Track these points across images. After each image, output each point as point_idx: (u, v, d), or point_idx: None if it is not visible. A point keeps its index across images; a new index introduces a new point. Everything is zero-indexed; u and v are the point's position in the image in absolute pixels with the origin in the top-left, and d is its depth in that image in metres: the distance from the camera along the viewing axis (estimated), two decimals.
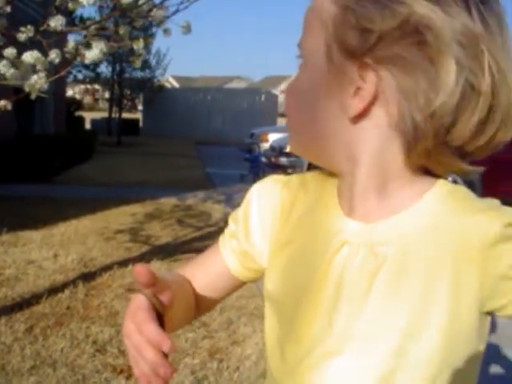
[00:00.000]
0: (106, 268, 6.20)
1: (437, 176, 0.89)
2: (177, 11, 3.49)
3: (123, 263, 6.36)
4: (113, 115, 30.93)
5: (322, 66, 0.87)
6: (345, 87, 0.85)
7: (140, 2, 3.41)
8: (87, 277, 5.92)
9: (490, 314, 0.84)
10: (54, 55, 3.26)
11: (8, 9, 3.32)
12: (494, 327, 4.77)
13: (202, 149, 24.82)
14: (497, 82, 0.80)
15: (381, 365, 0.84)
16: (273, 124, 28.63)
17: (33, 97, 3.24)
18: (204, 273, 1.12)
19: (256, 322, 4.78)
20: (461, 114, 0.79)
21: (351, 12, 0.82)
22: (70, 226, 8.17)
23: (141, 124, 35.20)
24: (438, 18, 0.77)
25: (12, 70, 3.12)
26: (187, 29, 3.53)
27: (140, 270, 0.80)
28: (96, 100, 59.92)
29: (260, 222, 1.06)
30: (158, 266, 6.32)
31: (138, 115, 37.54)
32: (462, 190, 0.88)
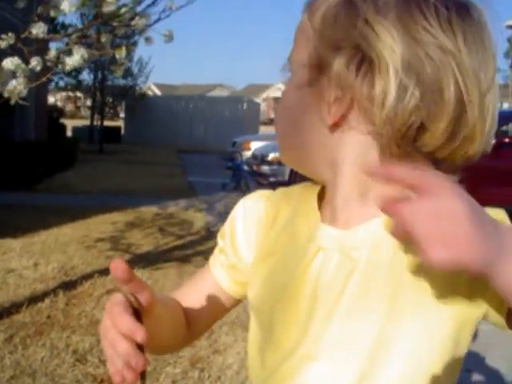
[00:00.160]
0: (87, 276, 6.16)
1: None
2: (159, 20, 3.50)
3: (104, 272, 6.32)
4: (95, 123, 30.85)
5: (304, 78, 0.91)
6: (323, 97, 0.88)
7: (122, 11, 3.41)
8: (68, 285, 5.87)
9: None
10: (35, 63, 3.25)
11: None
12: (475, 335, 4.79)
13: (184, 157, 24.78)
14: (465, 95, 0.82)
15: (358, 369, 0.85)
16: (255, 132, 28.67)
17: (12, 102, 3.23)
18: (196, 293, 1.12)
19: (237, 331, 4.77)
20: (430, 122, 0.82)
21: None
22: (50, 235, 8.11)
23: (123, 132, 35.12)
24: (386, 44, 0.81)
25: None
26: (169, 37, 3.54)
27: (116, 265, 0.81)
28: (78, 107, 59.74)
29: (245, 235, 1.08)
30: (139, 275, 6.27)
31: (120, 123, 37.46)
32: None
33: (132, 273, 0.82)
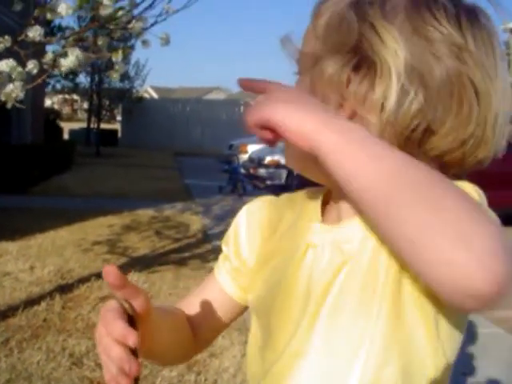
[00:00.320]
0: (84, 280, 6.15)
1: None
2: (155, 23, 3.50)
3: (101, 275, 6.17)
4: (91, 125, 30.82)
5: (311, 79, 0.91)
6: (330, 100, 0.87)
7: (119, 14, 3.41)
8: (64, 289, 5.86)
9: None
10: (31, 66, 3.24)
11: None
12: (471, 338, 4.80)
13: (180, 160, 24.77)
14: (475, 98, 0.82)
15: (349, 366, 0.84)
16: (252, 135, 28.53)
17: (9, 106, 3.22)
18: (201, 301, 1.12)
19: (234, 335, 4.76)
20: (437, 125, 0.82)
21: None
22: (47, 238, 8.10)
23: (119, 135, 35.09)
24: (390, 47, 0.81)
25: None
26: (166, 40, 3.54)
27: (109, 271, 0.80)
28: (74, 110, 59.72)
29: (249, 240, 1.08)
30: (136, 278, 6.28)
31: (117, 126, 37.43)
32: None
33: (125, 278, 0.82)
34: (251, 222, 1.09)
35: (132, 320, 0.82)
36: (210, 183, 15.08)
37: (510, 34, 17.95)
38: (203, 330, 1.12)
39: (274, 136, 0.78)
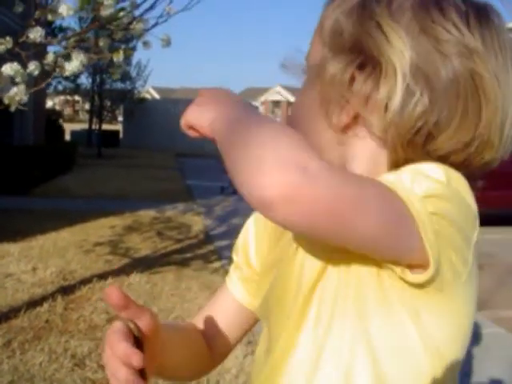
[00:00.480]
0: (86, 281, 6.15)
1: None
2: (156, 24, 3.50)
3: (103, 276, 6.32)
4: (93, 126, 30.81)
5: (317, 79, 0.90)
6: (332, 101, 0.87)
7: (120, 15, 3.41)
8: (66, 290, 5.87)
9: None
10: (33, 67, 3.24)
11: None
12: (473, 338, 4.79)
13: (182, 161, 24.78)
14: (483, 99, 0.82)
15: (335, 369, 0.84)
16: None
17: (12, 109, 3.22)
18: (215, 313, 1.13)
19: None
20: (443, 125, 0.81)
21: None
22: (48, 239, 8.10)
23: (121, 135, 35.08)
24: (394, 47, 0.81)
25: None
26: (167, 42, 3.54)
27: (111, 291, 0.80)
28: (76, 111, 59.76)
29: (257, 247, 1.09)
30: (137, 279, 6.28)
31: (119, 127, 37.42)
32: None
33: (128, 298, 0.81)
34: (259, 229, 1.09)
35: (138, 340, 0.82)
36: (211, 184, 15.08)
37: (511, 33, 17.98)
38: (218, 343, 1.11)
39: (198, 134, 0.89)
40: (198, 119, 0.86)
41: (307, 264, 0.90)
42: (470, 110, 0.81)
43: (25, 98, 3.20)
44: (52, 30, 19.41)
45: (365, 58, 0.83)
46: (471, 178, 0.83)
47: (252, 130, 0.72)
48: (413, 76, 0.80)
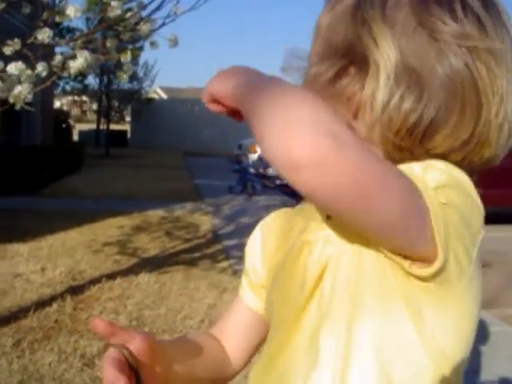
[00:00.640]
0: (95, 281, 6.17)
1: None
2: (163, 24, 3.50)
3: (111, 276, 6.33)
4: (101, 127, 30.88)
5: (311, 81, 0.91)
6: (336, 96, 0.87)
7: (127, 16, 3.42)
8: (75, 290, 5.88)
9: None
10: (41, 68, 3.25)
11: None
12: (482, 336, 4.79)
13: (190, 160, 24.79)
14: (482, 96, 0.81)
15: (330, 368, 0.83)
16: None
17: (17, 107, 3.24)
18: (231, 321, 1.14)
19: None
20: (441, 123, 0.80)
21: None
22: (57, 239, 8.12)
23: (129, 135, 35.15)
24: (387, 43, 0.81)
25: None
26: (174, 42, 3.54)
27: (95, 323, 0.82)
28: (84, 112, 59.82)
29: (264, 252, 1.09)
30: (146, 279, 6.29)
31: (126, 127, 37.49)
32: None
33: (114, 326, 0.83)
34: (266, 234, 1.10)
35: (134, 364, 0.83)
36: (219, 183, 15.08)
37: None
38: (236, 352, 1.12)
39: (220, 106, 0.89)
40: (221, 89, 0.85)
41: (311, 262, 0.90)
42: (469, 107, 0.81)
43: (29, 97, 3.21)
44: (59, 31, 19.47)
45: (354, 58, 0.84)
46: (471, 175, 0.83)
47: (278, 92, 0.72)
48: (399, 75, 0.80)
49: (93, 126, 33.66)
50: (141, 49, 17.41)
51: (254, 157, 17.22)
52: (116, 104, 32.48)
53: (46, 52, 3.62)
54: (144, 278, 6.33)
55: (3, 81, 3.13)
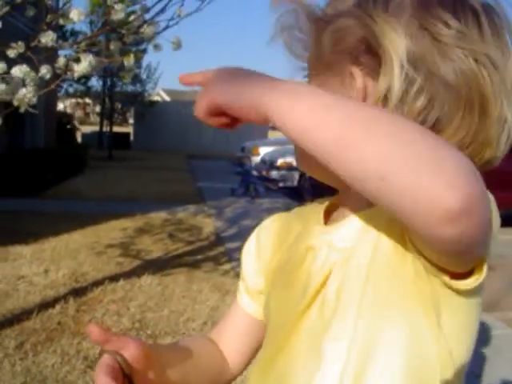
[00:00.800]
0: (98, 283, 6.17)
1: None
2: (167, 27, 3.51)
3: (114, 278, 6.34)
4: (104, 129, 30.90)
5: (320, 77, 0.91)
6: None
7: (130, 18, 3.43)
8: (78, 292, 5.88)
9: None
10: (44, 71, 3.26)
11: None
12: (484, 339, 4.78)
13: (193, 162, 24.79)
14: (486, 95, 0.81)
15: (337, 368, 0.83)
16: (264, 137, 28.62)
17: (22, 110, 3.24)
18: (229, 326, 1.14)
19: None
20: (445, 122, 0.81)
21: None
22: (60, 241, 8.13)
23: (132, 138, 35.16)
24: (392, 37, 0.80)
25: (3, 86, 3.12)
26: (177, 45, 3.55)
27: (90, 329, 0.82)
28: (87, 114, 59.88)
29: (259, 257, 1.09)
30: (149, 281, 6.30)
31: (129, 129, 37.51)
32: None
33: (108, 333, 0.83)
34: (262, 240, 1.10)
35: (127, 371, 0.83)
36: (222, 185, 15.07)
37: None
38: (235, 356, 1.12)
39: (229, 119, 0.82)
40: (225, 97, 0.79)
41: (315, 269, 0.90)
42: (472, 108, 0.81)
43: (34, 100, 3.22)
44: (63, 34, 19.50)
45: (365, 53, 0.83)
46: None
47: (377, 121, 0.68)
48: (411, 69, 0.79)
49: (96, 129, 33.67)
50: (144, 51, 17.43)
51: (256, 159, 17.23)
52: (119, 106, 32.52)
53: (50, 55, 3.63)
54: (147, 280, 6.33)
55: (7, 83, 3.14)
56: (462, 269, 0.75)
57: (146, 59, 33.86)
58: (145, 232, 9.19)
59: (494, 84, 0.81)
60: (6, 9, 3.27)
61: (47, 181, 13.67)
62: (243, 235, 1.21)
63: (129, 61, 3.58)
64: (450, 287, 0.77)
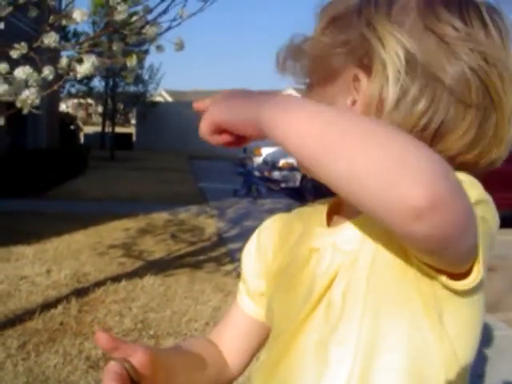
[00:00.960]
0: (100, 283, 6.18)
1: None
2: (169, 28, 3.51)
3: (116, 278, 6.34)
4: (106, 129, 30.91)
5: (320, 82, 0.92)
6: (343, 98, 0.88)
7: (133, 19, 3.43)
8: (80, 292, 5.89)
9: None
10: (47, 72, 3.27)
11: (1, 25, 3.33)
12: (486, 340, 4.78)
13: (195, 163, 24.79)
14: (493, 96, 0.81)
15: (345, 370, 0.83)
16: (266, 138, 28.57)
17: (25, 112, 3.25)
18: (229, 327, 1.14)
19: None
20: (452, 125, 0.81)
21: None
22: (62, 241, 8.14)
23: (134, 138, 35.16)
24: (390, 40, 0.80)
25: (5, 86, 3.13)
26: (180, 46, 3.55)
27: (99, 336, 0.81)
28: (89, 114, 59.86)
29: (261, 261, 1.09)
30: (151, 282, 6.30)
31: (131, 129, 37.50)
32: None
33: (117, 340, 0.82)
34: (262, 241, 1.10)
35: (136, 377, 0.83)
36: (224, 186, 15.07)
37: None
38: (235, 357, 1.12)
39: (233, 137, 0.85)
40: (222, 116, 0.83)
41: (320, 271, 0.90)
42: (480, 108, 0.81)
43: (37, 101, 3.22)
44: (65, 35, 19.51)
45: (362, 58, 0.84)
46: (476, 178, 0.83)
47: (353, 127, 0.68)
48: (409, 74, 0.79)
49: (98, 129, 33.68)
50: (146, 52, 17.45)
51: (258, 160, 17.23)
52: (121, 107, 32.49)
53: (52, 55, 3.63)
54: (149, 280, 6.34)
55: (10, 84, 3.14)
56: (456, 269, 0.75)
57: (149, 60, 33.85)
58: (147, 232, 9.20)
59: (504, 83, 0.81)
60: (9, 10, 3.28)
61: (50, 181, 13.67)
62: (245, 236, 1.21)
63: (131, 61, 3.58)
64: (447, 288, 0.77)
